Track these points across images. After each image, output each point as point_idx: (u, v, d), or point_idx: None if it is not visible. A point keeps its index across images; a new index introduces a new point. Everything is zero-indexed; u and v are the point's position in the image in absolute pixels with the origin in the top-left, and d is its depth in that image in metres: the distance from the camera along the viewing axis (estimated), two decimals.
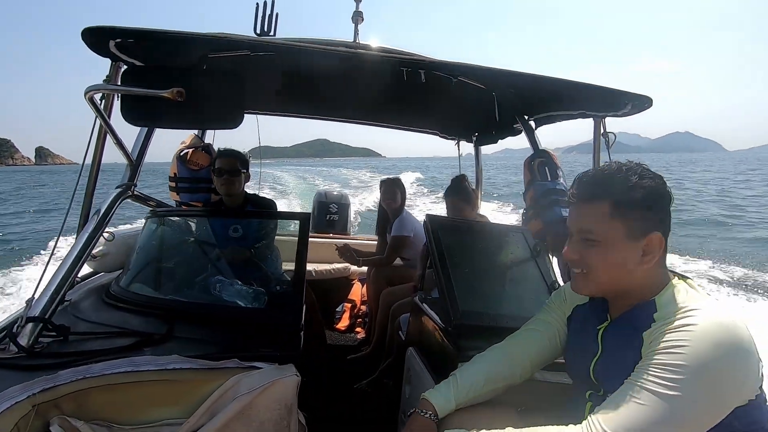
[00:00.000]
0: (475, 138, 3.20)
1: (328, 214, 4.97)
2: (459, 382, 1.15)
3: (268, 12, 2.19)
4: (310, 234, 4.75)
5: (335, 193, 5.12)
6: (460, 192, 2.66)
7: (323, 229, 4.80)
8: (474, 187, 2.89)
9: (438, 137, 3.54)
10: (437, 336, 1.61)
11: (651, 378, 0.85)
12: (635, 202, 0.94)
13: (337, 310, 3.78)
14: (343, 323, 3.64)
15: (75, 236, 1.60)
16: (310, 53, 1.53)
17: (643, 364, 0.89)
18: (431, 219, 1.81)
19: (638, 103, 1.57)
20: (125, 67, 1.49)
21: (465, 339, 1.43)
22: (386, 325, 2.79)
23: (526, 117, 2.38)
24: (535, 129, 2.38)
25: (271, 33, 2.36)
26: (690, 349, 0.82)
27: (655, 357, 0.86)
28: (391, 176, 3.39)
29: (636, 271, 0.97)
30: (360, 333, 3.55)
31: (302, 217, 1.83)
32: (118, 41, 1.33)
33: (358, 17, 2.39)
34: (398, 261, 3.24)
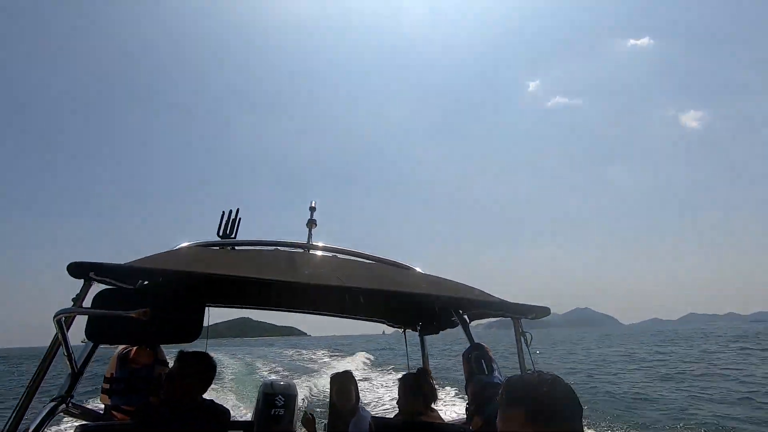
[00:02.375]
0: (419, 327, 3.42)
1: (273, 409, 4.59)
2: None
3: (232, 217, 2.57)
4: None
5: (282, 383, 4.84)
6: (413, 388, 2.71)
7: (268, 426, 4.38)
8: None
9: (385, 325, 3.73)
10: None
11: None
12: (517, 401, 1.15)
13: None
14: None
15: None
16: (265, 257, 1.79)
17: None
18: (377, 422, 1.85)
19: (540, 311, 1.94)
20: (94, 286, 1.66)
21: None
22: None
23: (461, 312, 2.69)
24: (470, 322, 2.67)
25: (233, 235, 2.72)
26: None
27: None
28: (340, 371, 3.38)
29: None
30: None
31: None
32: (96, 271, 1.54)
33: (311, 224, 2.81)
34: None
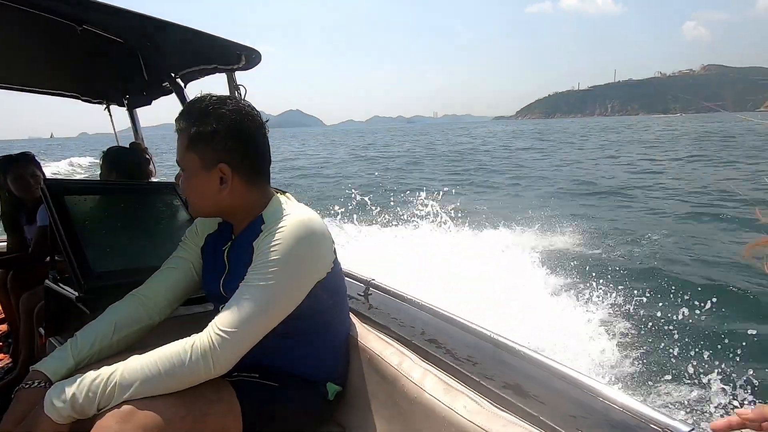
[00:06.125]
0: (126, 101, 2.85)
1: None
2: (79, 339, 1.05)
3: None
4: None
5: None
6: (114, 162, 2.31)
7: None
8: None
9: (80, 101, 2.95)
10: (77, 311, 1.39)
11: (253, 276, 1.00)
12: (205, 135, 1.04)
13: None
14: None
15: None
16: None
17: (251, 267, 1.02)
18: (51, 183, 1.51)
19: (249, 54, 1.79)
20: None
21: (104, 301, 1.29)
22: (33, 335, 2.21)
23: (173, 75, 2.29)
24: (184, 87, 2.33)
25: None
26: (279, 245, 1.00)
27: (258, 258, 1.01)
28: (14, 153, 2.59)
29: (223, 196, 1.08)
30: (2, 359, 2.69)
31: None
32: None
33: None
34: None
